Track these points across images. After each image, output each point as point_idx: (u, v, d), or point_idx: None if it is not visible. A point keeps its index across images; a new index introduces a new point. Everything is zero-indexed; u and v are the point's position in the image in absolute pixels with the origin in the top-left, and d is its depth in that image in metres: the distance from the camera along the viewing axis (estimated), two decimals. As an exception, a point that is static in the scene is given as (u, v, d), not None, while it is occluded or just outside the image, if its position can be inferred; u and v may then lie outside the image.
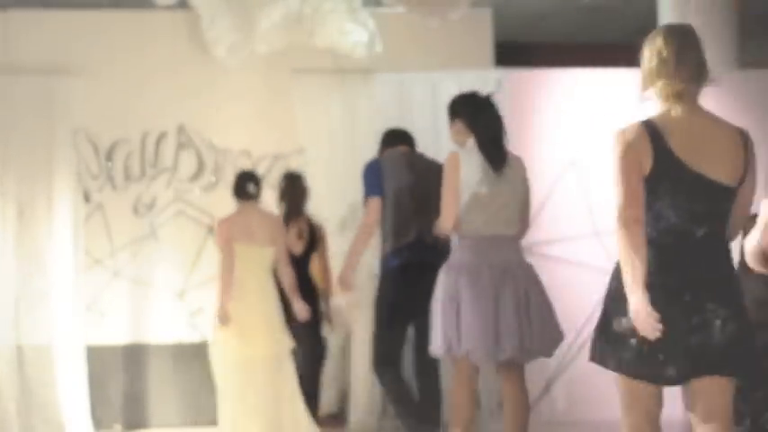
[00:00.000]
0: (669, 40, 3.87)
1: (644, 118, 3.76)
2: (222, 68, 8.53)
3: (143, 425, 8.69)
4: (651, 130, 3.69)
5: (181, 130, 8.97)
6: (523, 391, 5.52)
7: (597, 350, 3.71)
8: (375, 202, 6.48)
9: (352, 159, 8.25)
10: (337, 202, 8.56)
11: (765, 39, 10.98)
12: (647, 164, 3.64)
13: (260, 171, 8.89)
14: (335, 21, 8.28)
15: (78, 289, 8.59)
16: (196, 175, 8.97)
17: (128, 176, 8.92)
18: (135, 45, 8.90)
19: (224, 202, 8.60)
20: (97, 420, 8.59)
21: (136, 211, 8.89)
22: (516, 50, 9.92)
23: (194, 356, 8.64)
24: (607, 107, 8.18)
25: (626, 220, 3.56)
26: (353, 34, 8.39)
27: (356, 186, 7.44)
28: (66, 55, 8.77)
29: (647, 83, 3.90)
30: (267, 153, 8.94)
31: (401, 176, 6.48)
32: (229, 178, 8.87)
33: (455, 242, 5.46)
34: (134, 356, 8.76)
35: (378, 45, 8.48)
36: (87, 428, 8.42)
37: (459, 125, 5.73)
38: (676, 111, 3.78)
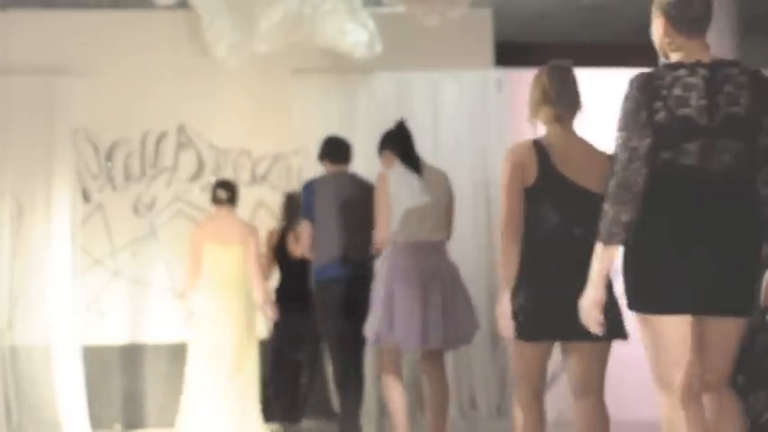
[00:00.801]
0: (552, 75, 4.65)
1: (534, 138, 4.56)
2: (222, 68, 8.53)
3: (143, 425, 8.69)
4: (538, 147, 4.47)
5: (181, 130, 8.97)
6: (444, 378, 6.20)
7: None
8: (305, 225, 6.96)
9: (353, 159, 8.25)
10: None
11: (765, 39, 10.98)
12: (533, 176, 4.41)
13: (260, 171, 8.91)
14: (335, 21, 8.28)
15: (77, 289, 8.59)
16: (196, 175, 8.97)
17: (128, 176, 8.92)
18: (135, 45, 8.90)
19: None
20: (97, 420, 8.59)
21: (136, 211, 8.89)
22: (516, 50, 9.92)
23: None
24: (607, 107, 8.17)
25: (507, 238, 4.40)
26: (353, 34, 8.39)
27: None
28: (66, 55, 8.77)
29: (534, 110, 4.65)
30: (267, 153, 8.95)
31: (330, 198, 6.88)
32: (229, 178, 8.89)
33: (390, 248, 6.08)
34: (134, 356, 8.76)
35: (378, 45, 8.48)
36: (84, 429, 8.42)
37: (386, 153, 6.53)
38: (556, 131, 4.55)
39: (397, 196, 6.08)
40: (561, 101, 4.54)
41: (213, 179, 8.94)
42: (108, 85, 8.80)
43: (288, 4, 8.16)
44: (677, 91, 3.68)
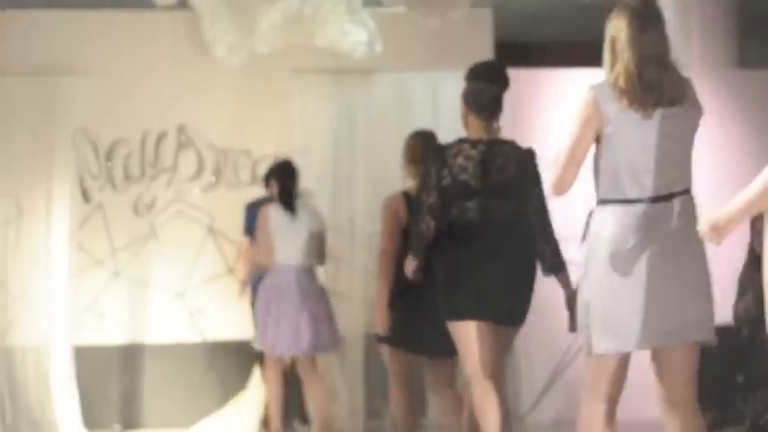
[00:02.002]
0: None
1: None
2: (222, 68, 8.53)
3: (143, 425, 8.68)
4: (407, 198, 5.54)
5: (181, 130, 8.96)
6: (321, 379, 7.42)
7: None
8: (244, 241, 8.09)
9: (351, 159, 8.25)
10: (337, 201, 8.57)
11: (765, 39, 10.97)
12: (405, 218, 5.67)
13: (260, 171, 8.90)
14: (335, 21, 8.28)
15: (77, 289, 8.59)
16: (196, 175, 8.97)
17: (128, 176, 8.91)
18: (135, 45, 8.90)
19: (224, 202, 8.62)
20: (97, 420, 8.59)
21: (136, 211, 8.88)
22: (516, 50, 9.91)
23: (194, 356, 8.64)
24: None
25: (384, 256, 5.76)
26: (353, 34, 8.38)
27: (356, 186, 7.44)
28: (66, 55, 8.77)
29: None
30: (267, 153, 8.94)
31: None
32: (229, 178, 8.89)
33: (271, 270, 7.30)
34: (134, 357, 8.76)
35: (378, 45, 8.48)
36: (84, 430, 8.42)
37: (271, 183, 7.55)
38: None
39: (275, 226, 7.25)
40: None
41: (213, 179, 8.95)
42: (108, 85, 8.79)
43: (288, 4, 8.16)
44: (459, 160, 4.91)
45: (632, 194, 3.88)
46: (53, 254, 8.50)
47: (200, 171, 8.98)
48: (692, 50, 9.15)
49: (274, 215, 7.32)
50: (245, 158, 8.95)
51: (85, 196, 8.83)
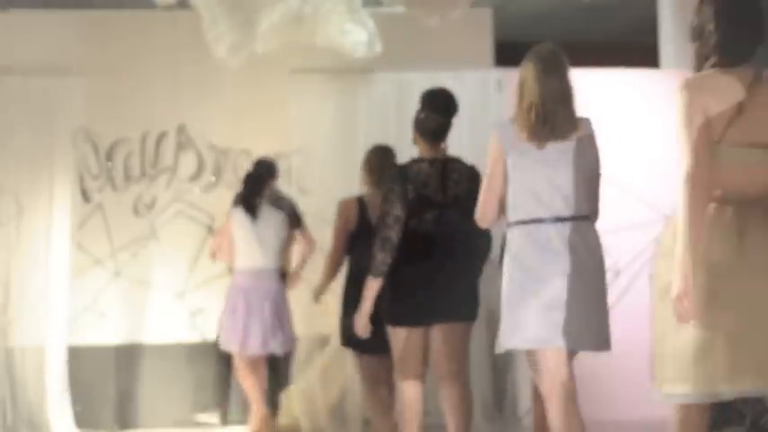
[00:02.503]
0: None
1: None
2: (222, 69, 8.53)
3: (142, 425, 8.68)
4: (361, 203, 6.39)
5: (181, 130, 8.97)
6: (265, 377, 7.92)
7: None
8: None
9: (351, 159, 8.25)
10: (337, 201, 8.56)
11: (765, 39, 10.96)
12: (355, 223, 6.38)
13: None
14: (335, 21, 8.28)
15: (77, 289, 8.60)
16: (196, 175, 8.97)
17: (128, 176, 8.92)
18: (135, 45, 8.90)
19: (224, 202, 8.61)
20: (96, 421, 8.59)
21: (136, 211, 8.89)
22: (516, 50, 9.91)
23: (194, 356, 8.64)
24: (607, 107, 8.18)
25: (330, 258, 6.64)
26: (353, 34, 8.38)
27: (356, 186, 7.44)
28: (66, 55, 8.77)
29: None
30: (267, 153, 8.94)
31: None
32: (229, 178, 8.89)
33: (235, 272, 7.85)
34: (134, 357, 8.76)
35: (378, 45, 8.47)
36: (83, 430, 8.43)
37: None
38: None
39: (238, 234, 7.70)
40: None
41: (213, 179, 8.96)
42: (108, 85, 8.79)
43: (288, 4, 8.16)
44: (421, 177, 5.37)
45: (531, 216, 4.50)
46: (53, 254, 8.50)
47: (200, 171, 8.98)
48: (693, 50, 9.15)
49: (236, 219, 7.74)
50: (245, 158, 8.94)
51: (85, 196, 8.83)
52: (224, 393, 8.58)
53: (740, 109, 3.66)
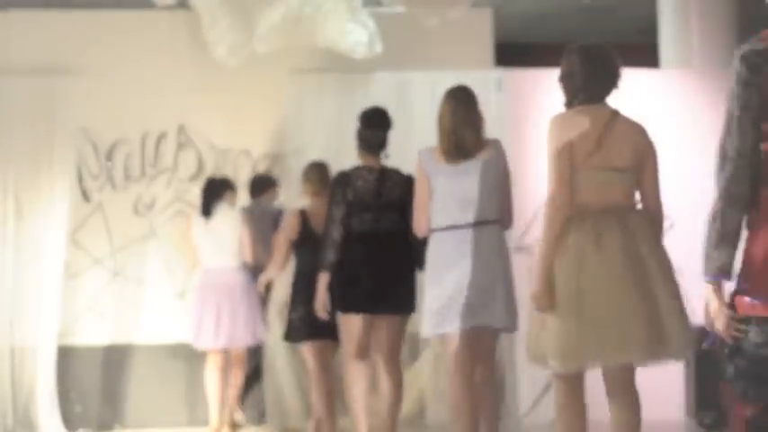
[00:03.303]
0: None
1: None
2: (222, 68, 8.53)
3: (142, 425, 8.67)
4: (303, 215, 7.07)
5: (181, 130, 8.97)
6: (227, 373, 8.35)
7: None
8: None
9: (351, 159, 8.25)
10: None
11: (765, 39, 10.95)
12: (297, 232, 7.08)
13: (260, 171, 8.90)
14: (335, 21, 8.28)
15: (77, 289, 8.59)
16: (196, 175, 8.97)
17: (128, 176, 8.92)
18: (135, 45, 8.90)
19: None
20: (96, 420, 8.59)
21: (136, 211, 8.89)
22: (516, 50, 9.92)
23: (194, 356, 8.63)
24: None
25: (274, 266, 7.32)
26: (353, 34, 8.38)
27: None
28: (66, 55, 8.77)
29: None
30: (267, 153, 8.95)
31: None
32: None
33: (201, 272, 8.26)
34: (133, 356, 8.75)
35: (378, 45, 8.47)
36: (82, 430, 8.43)
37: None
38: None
39: (194, 236, 8.24)
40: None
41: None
42: (108, 85, 8.79)
43: (288, 4, 8.16)
44: (359, 182, 6.13)
45: (448, 223, 5.44)
46: (53, 253, 8.50)
47: (200, 171, 8.97)
48: (692, 50, 9.15)
49: (194, 223, 8.24)
50: (245, 158, 8.95)
51: (85, 196, 8.83)
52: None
53: (598, 140, 4.58)
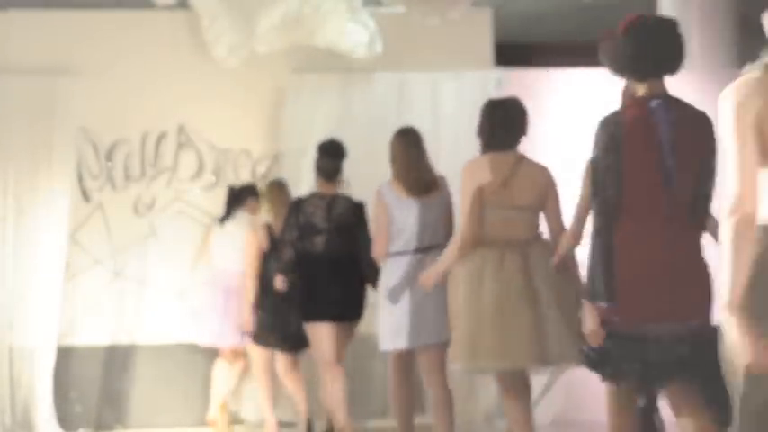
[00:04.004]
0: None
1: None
2: (222, 68, 8.53)
3: (142, 425, 8.68)
4: (270, 230, 7.75)
5: (181, 130, 8.97)
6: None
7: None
8: None
9: (351, 159, 8.26)
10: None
11: (765, 39, 10.96)
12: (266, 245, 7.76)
13: (260, 171, 8.91)
14: (335, 21, 8.28)
15: (77, 289, 8.60)
16: (196, 175, 8.97)
17: (128, 176, 8.92)
18: (135, 45, 8.90)
19: (224, 202, 8.61)
20: (96, 421, 8.60)
21: (136, 211, 8.89)
22: (516, 50, 9.92)
23: (194, 356, 8.64)
24: (606, 107, 8.17)
25: (248, 278, 7.98)
26: (353, 34, 8.38)
27: (356, 186, 7.45)
28: (66, 55, 8.77)
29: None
30: (267, 153, 8.95)
31: None
32: (229, 178, 8.89)
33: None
34: (133, 357, 8.76)
35: (378, 45, 8.48)
36: (82, 430, 8.44)
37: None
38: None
39: (211, 241, 8.57)
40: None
41: (213, 179, 8.96)
42: (108, 85, 8.80)
43: (288, 5, 8.16)
44: (310, 208, 6.83)
45: (405, 248, 6.17)
46: (53, 253, 8.50)
47: (200, 171, 8.98)
48: (692, 50, 9.15)
49: (212, 230, 8.56)
50: (245, 158, 8.95)
51: (85, 196, 8.83)
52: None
53: (504, 182, 5.46)
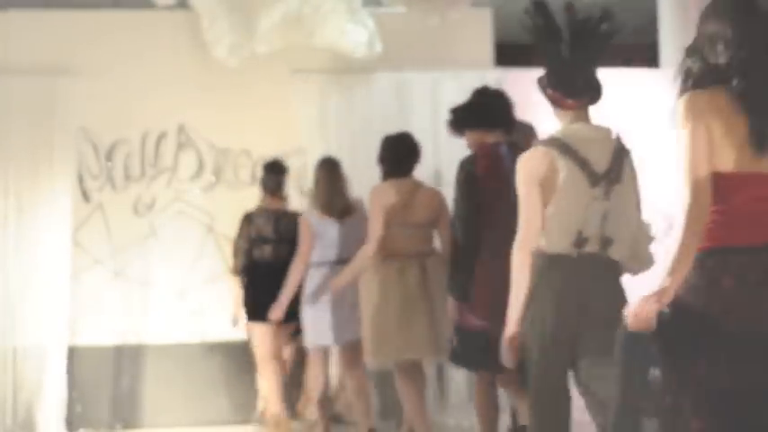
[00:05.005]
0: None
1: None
2: (222, 68, 8.53)
3: (143, 425, 8.68)
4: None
5: (181, 130, 8.97)
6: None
7: None
8: None
9: (351, 159, 8.26)
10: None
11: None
12: None
13: (260, 171, 8.90)
14: (335, 21, 8.28)
15: (77, 289, 8.60)
16: (196, 175, 8.97)
17: (128, 176, 8.91)
18: (135, 45, 8.90)
19: (224, 202, 8.61)
20: (96, 421, 8.59)
21: (136, 211, 8.88)
22: (516, 50, 9.91)
23: (194, 356, 8.64)
24: (606, 107, 8.17)
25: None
26: (353, 34, 8.38)
27: (356, 186, 7.45)
28: (66, 55, 8.77)
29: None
30: (267, 153, 8.93)
31: None
32: (229, 178, 8.89)
33: None
34: (134, 357, 8.76)
35: (378, 45, 8.47)
36: (82, 430, 8.43)
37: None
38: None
39: None
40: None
41: (213, 179, 8.96)
42: (108, 85, 8.79)
43: (288, 5, 8.16)
44: (260, 222, 7.69)
45: (323, 260, 7.08)
46: (53, 254, 8.50)
47: (200, 171, 8.98)
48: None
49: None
50: (245, 158, 8.95)
51: (85, 196, 8.83)
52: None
53: (404, 203, 6.41)
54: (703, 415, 3.23)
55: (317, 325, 7.08)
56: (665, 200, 8.80)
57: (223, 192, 8.88)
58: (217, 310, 8.54)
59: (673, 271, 3.28)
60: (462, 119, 5.85)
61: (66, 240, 8.54)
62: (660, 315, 3.24)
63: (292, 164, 8.69)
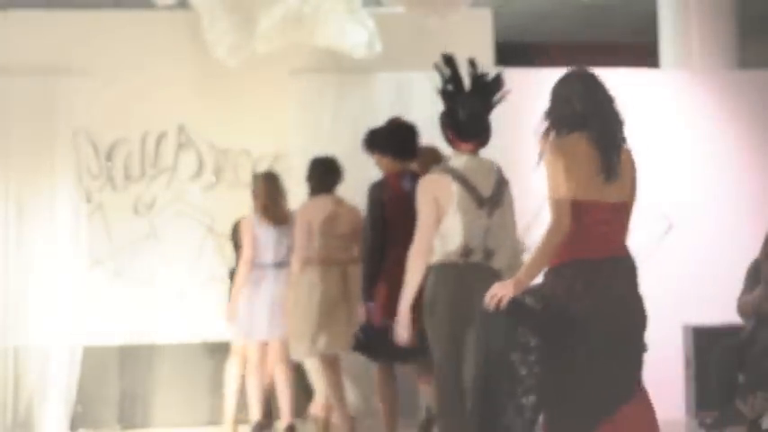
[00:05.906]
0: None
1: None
2: (222, 69, 8.53)
3: (143, 425, 8.69)
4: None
5: (181, 130, 8.97)
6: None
7: None
8: None
9: (351, 159, 8.25)
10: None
11: (765, 39, 10.98)
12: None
13: (259, 171, 8.90)
14: (335, 21, 8.28)
15: (77, 289, 8.60)
16: (196, 175, 8.97)
17: (128, 176, 8.92)
18: (135, 45, 8.90)
19: (224, 202, 8.61)
20: (97, 421, 8.60)
21: (136, 211, 8.89)
22: (516, 50, 9.92)
23: (194, 356, 8.64)
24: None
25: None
26: (353, 34, 8.38)
27: (356, 186, 7.45)
28: (66, 55, 8.77)
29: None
30: (267, 153, 8.95)
31: None
32: (229, 178, 8.89)
33: None
34: (134, 357, 8.76)
35: (378, 45, 8.47)
36: (83, 430, 8.44)
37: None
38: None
39: None
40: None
41: (213, 179, 8.96)
42: (108, 85, 8.79)
43: (288, 4, 8.16)
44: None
45: (262, 262, 7.65)
46: (53, 254, 8.50)
47: (200, 171, 8.98)
48: (692, 50, 9.15)
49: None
50: (245, 158, 8.95)
51: (86, 196, 8.83)
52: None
53: (330, 216, 7.22)
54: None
55: (253, 320, 7.68)
56: (666, 200, 8.81)
57: (223, 192, 8.88)
58: (216, 310, 8.53)
59: (527, 268, 4.16)
60: (374, 143, 6.72)
61: (66, 240, 8.53)
62: (532, 308, 4.13)
63: (292, 164, 8.70)
